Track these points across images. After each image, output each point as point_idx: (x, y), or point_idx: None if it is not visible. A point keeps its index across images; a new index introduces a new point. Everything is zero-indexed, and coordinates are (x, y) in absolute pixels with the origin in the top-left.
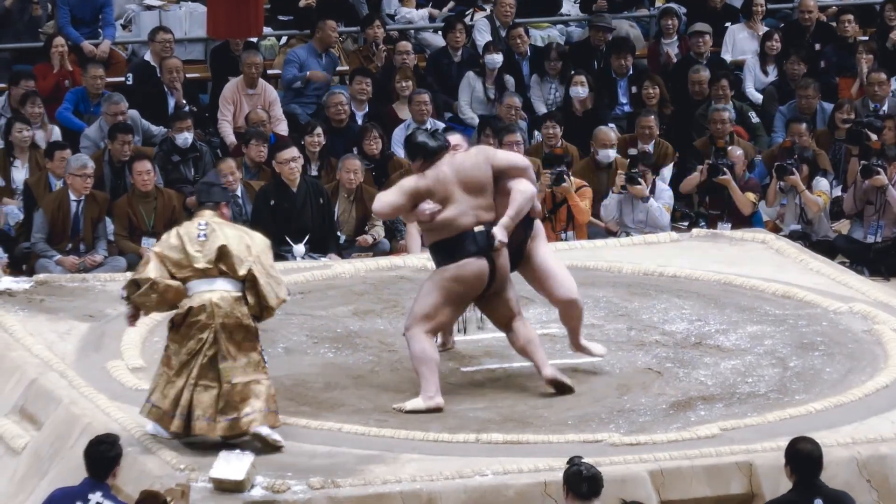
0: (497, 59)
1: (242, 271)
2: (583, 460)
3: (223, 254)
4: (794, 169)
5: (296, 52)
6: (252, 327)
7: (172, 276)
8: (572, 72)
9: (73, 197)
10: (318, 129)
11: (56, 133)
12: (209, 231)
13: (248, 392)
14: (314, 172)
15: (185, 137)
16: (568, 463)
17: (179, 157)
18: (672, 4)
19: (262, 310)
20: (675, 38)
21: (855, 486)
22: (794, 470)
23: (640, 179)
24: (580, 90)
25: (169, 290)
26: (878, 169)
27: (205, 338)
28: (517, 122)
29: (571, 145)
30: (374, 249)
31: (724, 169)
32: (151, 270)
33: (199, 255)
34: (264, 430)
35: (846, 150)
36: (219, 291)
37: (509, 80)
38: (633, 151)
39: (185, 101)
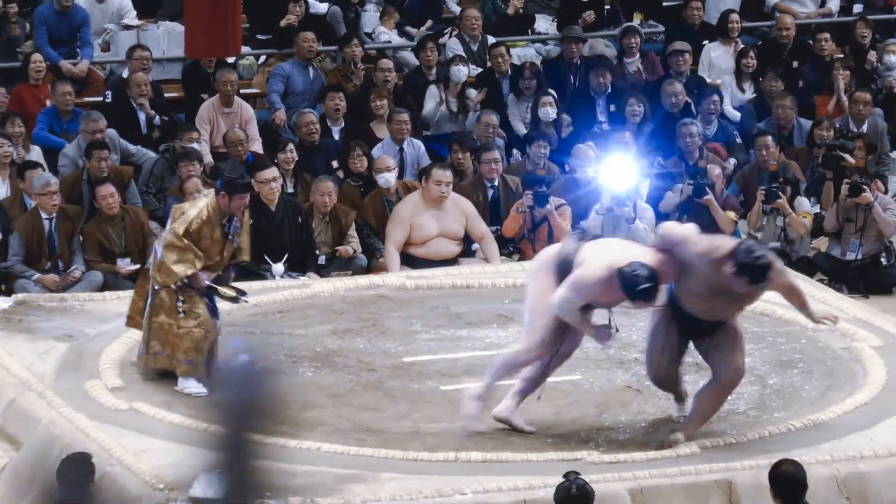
0: (462, 71)
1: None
2: (577, 476)
3: None
4: (780, 193)
5: (282, 67)
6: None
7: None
8: (542, 92)
9: (44, 216)
10: (291, 146)
11: (36, 152)
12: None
13: None
14: (290, 189)
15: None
16: (563, 477)
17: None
18: (634, 23)
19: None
20: (637, 56)
21: None
22: (778, 493)
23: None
24: (549, 111)
25: None
26: (864, 187)
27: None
28: (494, 139)
29: (554, 164)
30: (352, 266)
31: (707, 189)
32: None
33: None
34: None
35: (821, 174)
36: None
37: (471, 92)
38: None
39: (153, 113)
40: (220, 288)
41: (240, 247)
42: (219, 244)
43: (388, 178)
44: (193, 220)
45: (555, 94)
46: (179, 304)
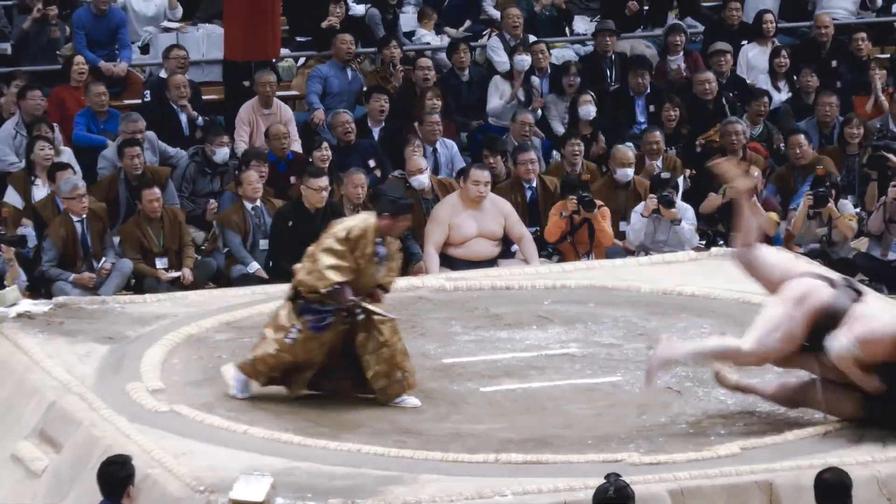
0: (526, 59)
1: None
2: (617, 478)
3: None
4: (828, 197)
5: (319, 69)
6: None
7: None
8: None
9: (75, 218)
10: (325, 144)
11: (68, 154)
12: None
13: None
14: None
15: (224, 153)
16: (604, 479)
17: (211, 171)
18: (679, 21)
19: None
20: (681, 54)
21: None
22: (821, 501)
23: (673, 201)
24: (590, 109)
25: None
26: (829, 196)
27: None
28: (530, 139)
29: (591, 163)
30: None
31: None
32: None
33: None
34: None
35: (866, 174)
36: None
37: (535, 80)
38: (666, 175)
39: (196, 114)
40: (370, 307)
41: (391, 269)
42: (367, 264)
43: (421, 181)
44: (354, 227)
45: (593, 94)
46: (294, 331)
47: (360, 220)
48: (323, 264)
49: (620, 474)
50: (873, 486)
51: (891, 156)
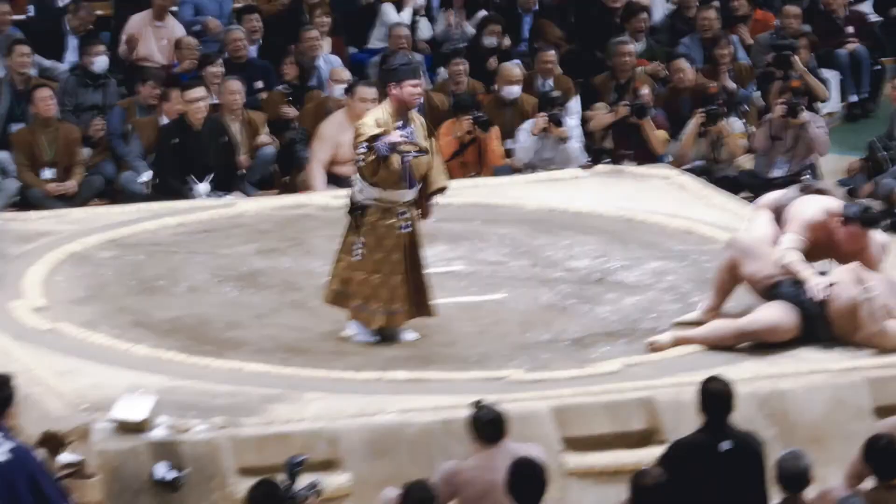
0: None
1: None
2: (485, 403)
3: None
4: (720, 114)
5: None
6: None
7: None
8: (484, 14)
9: None
10: (220, 60)
11: None
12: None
13: None
14: (214, 100)
15: (103, 62)
16: (473, 405)
17: (92, 83)
18: None
19: None
20: None
21: (755, 422)
22: (705, 409)
23: (561, 120)
24: (493, 40)
25: None
26: (802, 107)
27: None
28: (410, 53)
29: (477, 82)
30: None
31: (645, 110)
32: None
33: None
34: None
35: (770, 72)
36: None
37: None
38: (556, 93)
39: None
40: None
41: (433, 172)
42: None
43: (341, 91)
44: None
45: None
46: (358, 247)
47: (374, 114)
48: (360, 125)
49: (482, 399)
50: (753, 403)
51: (794, 58)
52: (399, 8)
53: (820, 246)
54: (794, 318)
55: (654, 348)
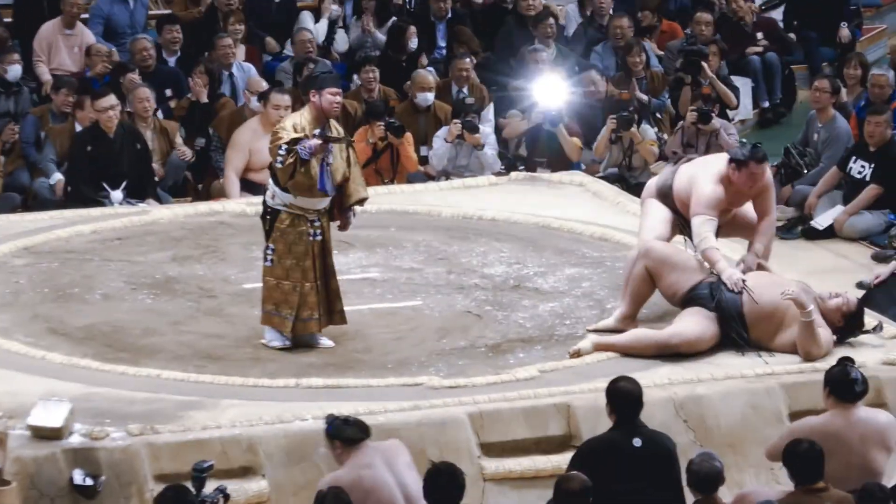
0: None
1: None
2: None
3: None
4: (632, 120)
5: (98, 6)
6: None
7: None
8: (394, 18)
9: None
10: (136, 68)
11: None
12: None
13: None
14: (129, 109)
15: (16, 70)
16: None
17: (4, 90)
18: None
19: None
20: None
21: (672, 427)
22: (615, 409)
23: (476, 126)
24: (411, 43)
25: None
26: (713, 114)
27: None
28: (315, 57)
29: (389, 89)
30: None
31: (562, 117)
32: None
33: None
34: None
35: (680, 79)
36: None
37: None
38: (469, 100)
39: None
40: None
41: (352, 182)
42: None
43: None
44: (290, 122)
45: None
46: (269, 253)
47: (292, 120)
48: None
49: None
50: (670, 408)
51: (704, 64)
52: (317, 18)
53: (728, 216)
54: (714, 329)
55: (575, 355)
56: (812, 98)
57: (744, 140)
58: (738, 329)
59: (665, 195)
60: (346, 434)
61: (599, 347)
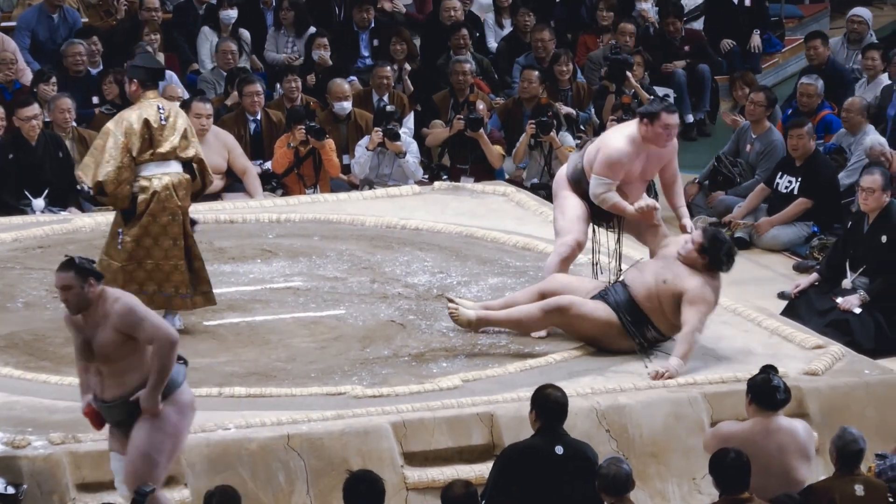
0: (231, 14)
1: (191, 153)
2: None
3: (183, 136)
4: (551, 126)
5: (24, 18)
6: None
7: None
8: (313, 31)
9: None
10: (53, 78)
11: None
12: (168, 114)
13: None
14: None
15: None
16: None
17: None
18: None
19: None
20: None
21: (594, 436)
22: (539, 416)
23: (398, 133)
24: (322, 53)
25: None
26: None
27: (169, 219)
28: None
29: (311, 98)
30: None
31: (481, 123)
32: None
33: (162, 138)
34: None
35: (603, 88)
36: (175, 174)
37: (244, 34)
38: (390, 108)
39: None
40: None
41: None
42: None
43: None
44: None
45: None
46: (120, 236)
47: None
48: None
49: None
50: (593, 417)
51: (628, 73)
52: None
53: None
54: (606, 308)
55: (454, 314)
56: (747, 110)
57: None
58: (625, 316)
59: (577, 181)
60: None
61: (483, 321)
